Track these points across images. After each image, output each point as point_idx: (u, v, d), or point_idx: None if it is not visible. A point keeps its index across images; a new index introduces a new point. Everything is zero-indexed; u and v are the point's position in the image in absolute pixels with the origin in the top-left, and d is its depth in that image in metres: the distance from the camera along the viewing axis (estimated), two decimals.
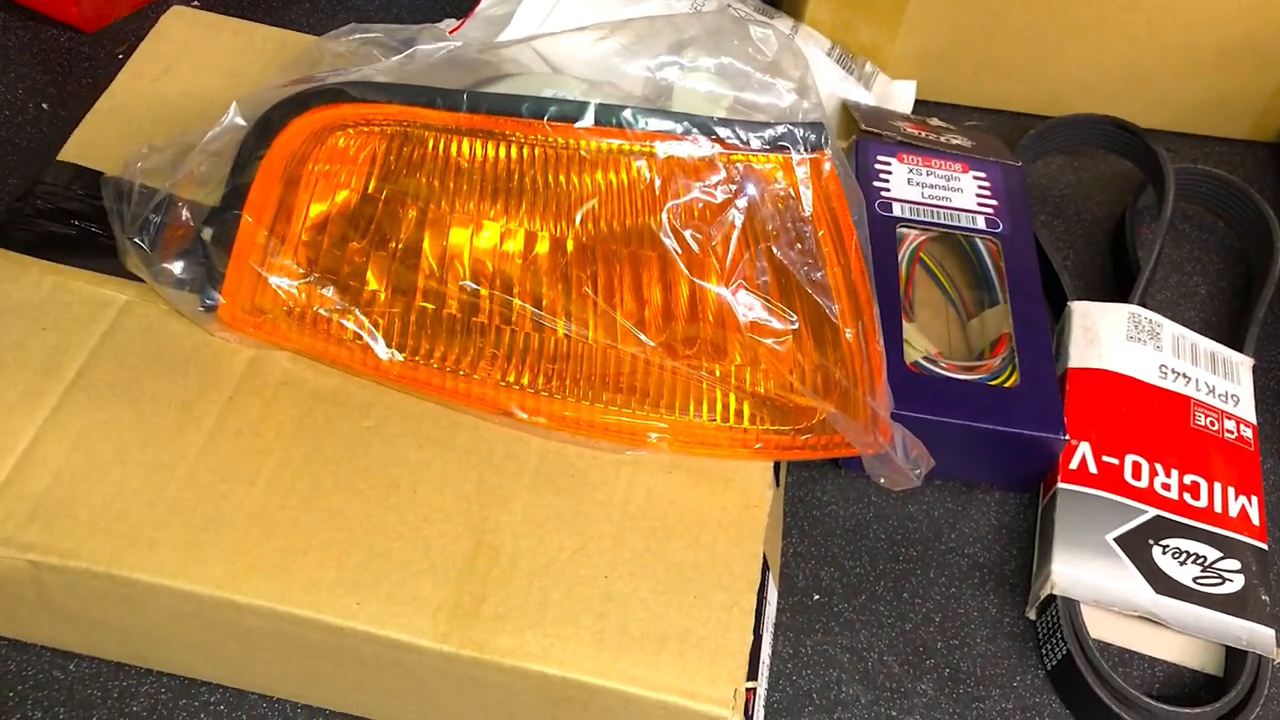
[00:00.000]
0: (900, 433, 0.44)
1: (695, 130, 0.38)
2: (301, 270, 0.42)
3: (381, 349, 0.42)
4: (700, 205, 0.39)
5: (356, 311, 0.42)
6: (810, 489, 0.50)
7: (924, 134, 0.59)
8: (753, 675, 0.40)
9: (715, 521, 0.41)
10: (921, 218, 0.55)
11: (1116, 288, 0.60)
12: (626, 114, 0.38)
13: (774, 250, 0.40)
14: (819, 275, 0.40)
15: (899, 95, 0.65)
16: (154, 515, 0.38)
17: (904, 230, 0.55)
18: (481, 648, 0.37)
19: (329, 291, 0.42)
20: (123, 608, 0.38)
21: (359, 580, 0.37)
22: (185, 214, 0.42)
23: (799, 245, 0.40)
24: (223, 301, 0.42)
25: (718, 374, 0.42)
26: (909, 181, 0.56)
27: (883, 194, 0.56)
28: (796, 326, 0.40)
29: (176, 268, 0.42)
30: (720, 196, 0.39)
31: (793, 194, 0.39)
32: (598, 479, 0.41)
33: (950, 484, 0.52)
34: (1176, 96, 0.67)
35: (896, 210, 0.55)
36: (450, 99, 0.38)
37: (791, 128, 0.38)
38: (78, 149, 0.47)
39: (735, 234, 0.39)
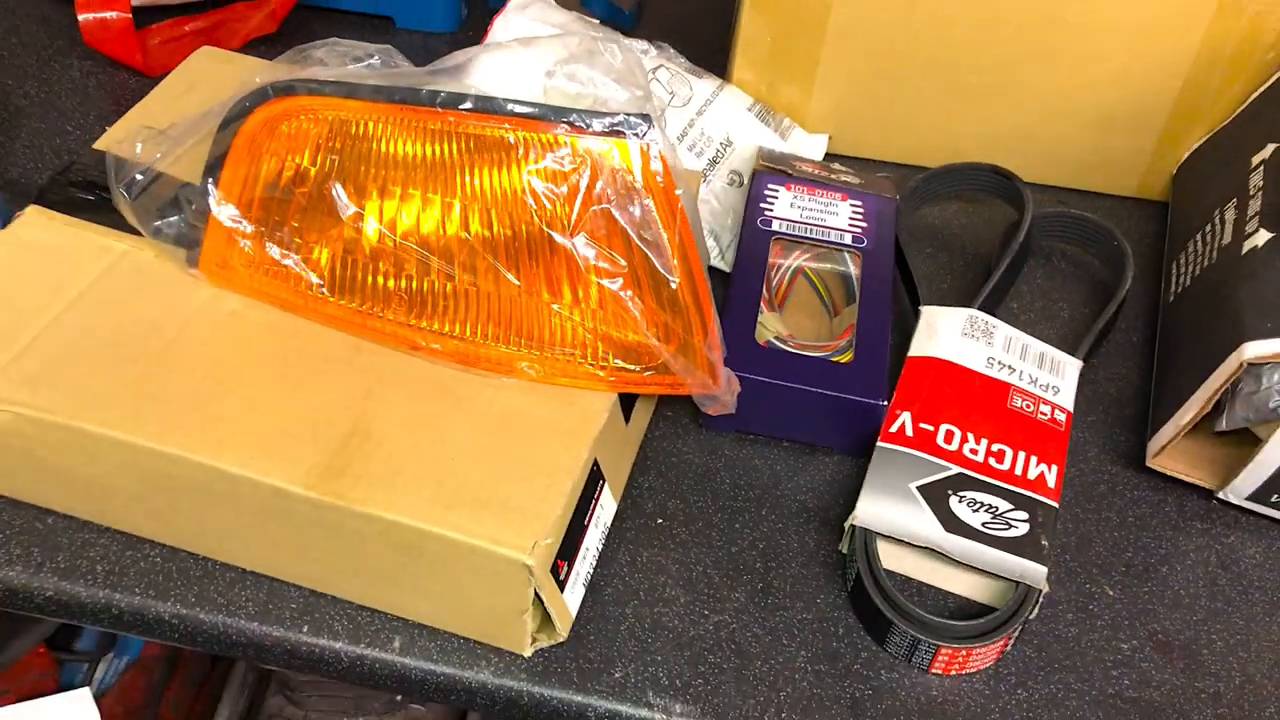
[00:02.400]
0: (727, 374, 0.53)
1: (550, 115, 0.49)
2: (256, 230, 0.54)
3: (320, 287, 0.54)
4: (555, 174, 0.50)
5: (295, 259, 0.54)
6: (673, 442, 0.60)
7: (819, 173, 0.70)
8: (568, 552, 0.49)
9: (554, 428, 0.51)
10: (795, 233, 0.65)
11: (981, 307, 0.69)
12: (498, 102, 0.49)
13: (612, 211, 0.50)
14: (648, 235, 0.51)
15: (811, 147, 0.76)
16: (113, 388, 0.50)
17: (792, 248, 0.66)
18: (340, 497, 0.47)
19: (275, 247, 0.54)
20: (81, 458, 0.50)
21: (255, 443, 0.48)
22: (170, 180, 0.55)
23: (630, 210, 0.50)
24: (200, 255, 0.55)
25: (577, 318, 0.52)
26: (790, 205, 0.67)
27: (765, 213, 0.66)
28: (626, 270, 0.51)
29: (165, 223, 0.55)
30: (568, 166, 0.50)
31: (626, 169, 0.50)
32: (465, 394, 0.52)
33: (796, 446, 0.60)
34: (1065, 155, 0.76)
35: (775, 225, 0.65)
36: (371, 93, 0.50)
37: (626, 117, 0.50)
38: (108, 141, 0.61)
39: (580, 196, 0.50)
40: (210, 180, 0.53)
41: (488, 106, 0.49)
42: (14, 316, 0.52)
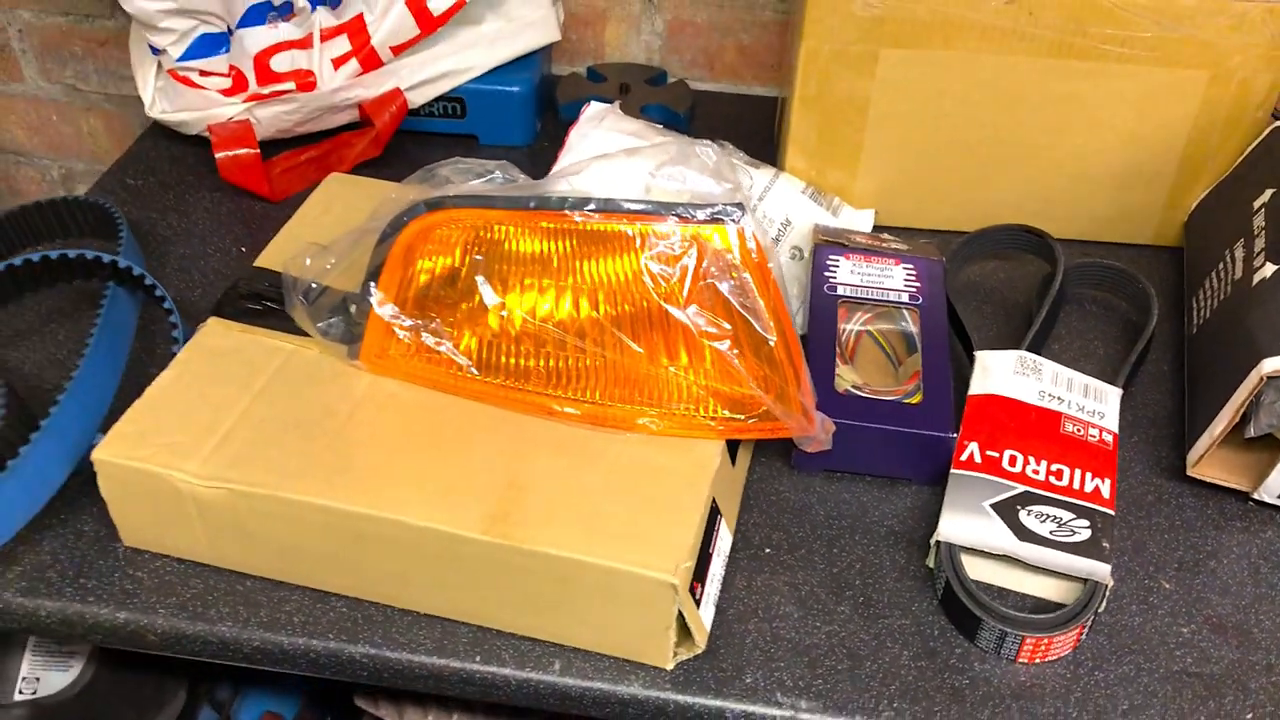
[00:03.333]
0: (820, 417, 0.62)
1: (661, 209, 0.59)
2: (412, 323, 0.63)
3: (470, 368, 0.63)
4: (666, 255, 0.60)
5: (448, 346, 0.63)
6: (770, 483, 0.68)
7: (871, 243, 0.79)
8: (700, 575, 0.58)
9: (676, 473, 0.60)
10: (858, 295, 0.75)
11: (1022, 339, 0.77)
12: (616, 202, 0.59)
13: (716, 285, 0.60)
14: (747, 303, 0.60)
15: (860, 221, 0.85)
16: (304, 463, 0.59)
17: (854, 310, 0.75)
18: (509, 538, 0.56)
19: (430, 337, 0.63)
20: (282, 524, 0.59)
21: (431, 499, 0.57)
22: (334, 291, 0.65)
23: (732, 282, 0.60)
24: (361, 348, 0.64)
25: (691, 377, 0.61)
26: (851, 272, 0.76)
27: (830, 280, 0.75)
28: (732, 332, 0.60)
29: (329, 324, 0.65)
30: (679, 250, 0.60)
31: (726, 249, 0.60)
32: (597, 448, 0.61)
33: (878, 480, 0.69)
34: (1086, 212, 0.85)
35: (840, 290, 0.75)
36: (507, 202, 0.60)
37: (724, 207, 0.59)
38: (269, 259, 0.71)
39: (689, 274, 0.60)
40: (372, 283, 0.63)
41: (608, 206, 0.59)
42: (212, 410, 0.62)
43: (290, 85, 0.86)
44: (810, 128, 0.83)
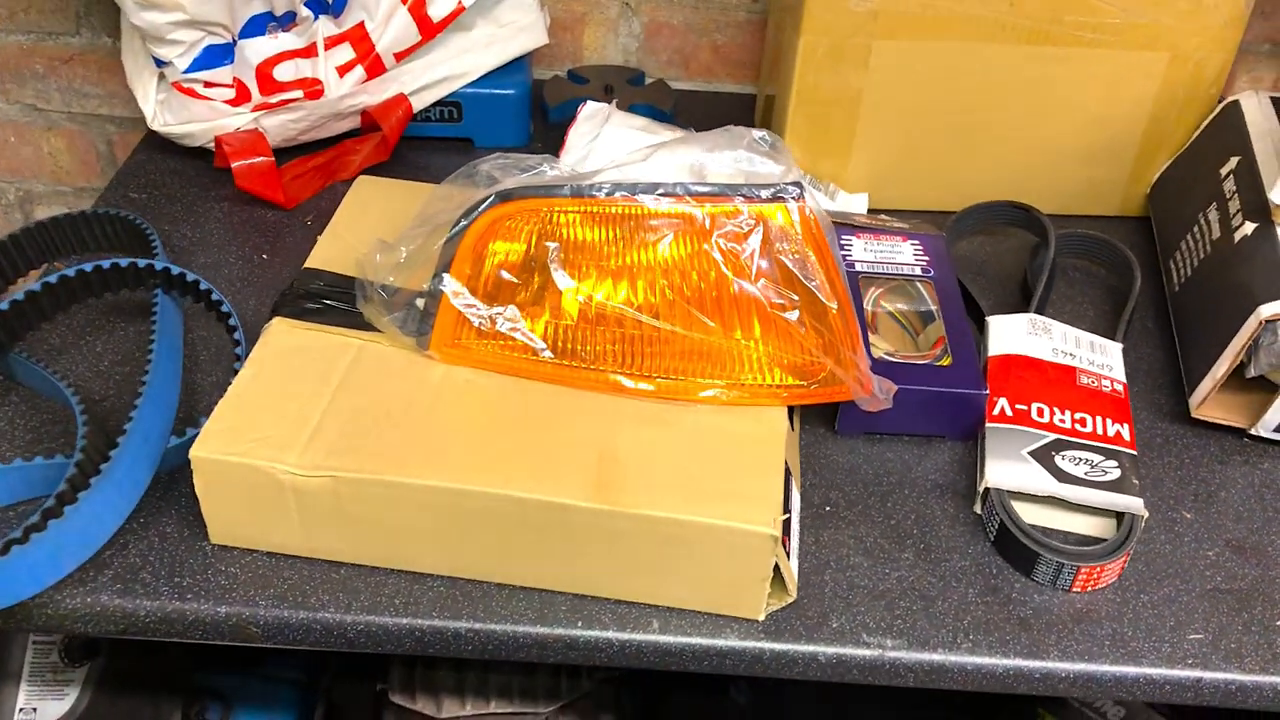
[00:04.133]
0: (877, 379, 0.67)
1: (727, 191, 0.63)
2: (487, 310, 0.66)
3: (544, 352, 0.66)
4: (735, 234, 0.64)
5: (523, 330, 0.66)
6: (818, 448, 0.73)
7: (874, 223, 0.85)
8: (786, 529, 0.62)
9: (752, 438, 0.64)
10: (876, 270, 0.80)
11: (1028, 303, 0.84)
12: (685, 185, 0.63)
13: (782, 259, 0.64)
14: (810, 273, 0.64)
15: (855, 205, 0.91)
16: (400, 448, 0.61)
17: (868, 284, 0.80)
18: (615, 503, 0.59)
19: (505, 323, 0.66)
20: (384, 506, 0.60)
21: (533, 473, 0.60)
22: (404, 287, 0.67)
23: (796, 256, 0.64)
24: (433, 338, 0.66)
25: (759, 349, 0.65)
26: (865, 250, 0.81)
27: (847, 257, 0.80)
28: (799, 302, 0.64)
29: (400, 316, 0.67)
30: (746, 229, 0.64)
31: (789, 226, 0.64)
32: (674, 419, 0.64)
33: (915, 438, 0.74)
34: (1060, 187, 0.92)
35: (858, 267, 0.80)
36: (577, 190, 0.63)
37: (784, 186, 0.63)
38: (315, 259, 0.73)
39: (756, 249, 0.64)
40: (445, 273, 0.65)
41: (678, 189, 0.63)
42: (299, 404, 0.63)
43: (298, 94, 0.87)
44: (806, 120, 0.88)
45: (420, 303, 0.66)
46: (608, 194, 0.63)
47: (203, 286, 0.71)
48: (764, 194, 0.63)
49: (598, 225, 0.64)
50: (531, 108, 1.00)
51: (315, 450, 0.61)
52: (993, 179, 0.92)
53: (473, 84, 0.94)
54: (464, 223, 0.65)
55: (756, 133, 0.67)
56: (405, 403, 0.64)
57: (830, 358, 0.65)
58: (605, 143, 0.84)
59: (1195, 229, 0.82)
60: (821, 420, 0.74)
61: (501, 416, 0.64)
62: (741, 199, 0.63)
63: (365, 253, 0.67)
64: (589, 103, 0.93)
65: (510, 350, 0.66)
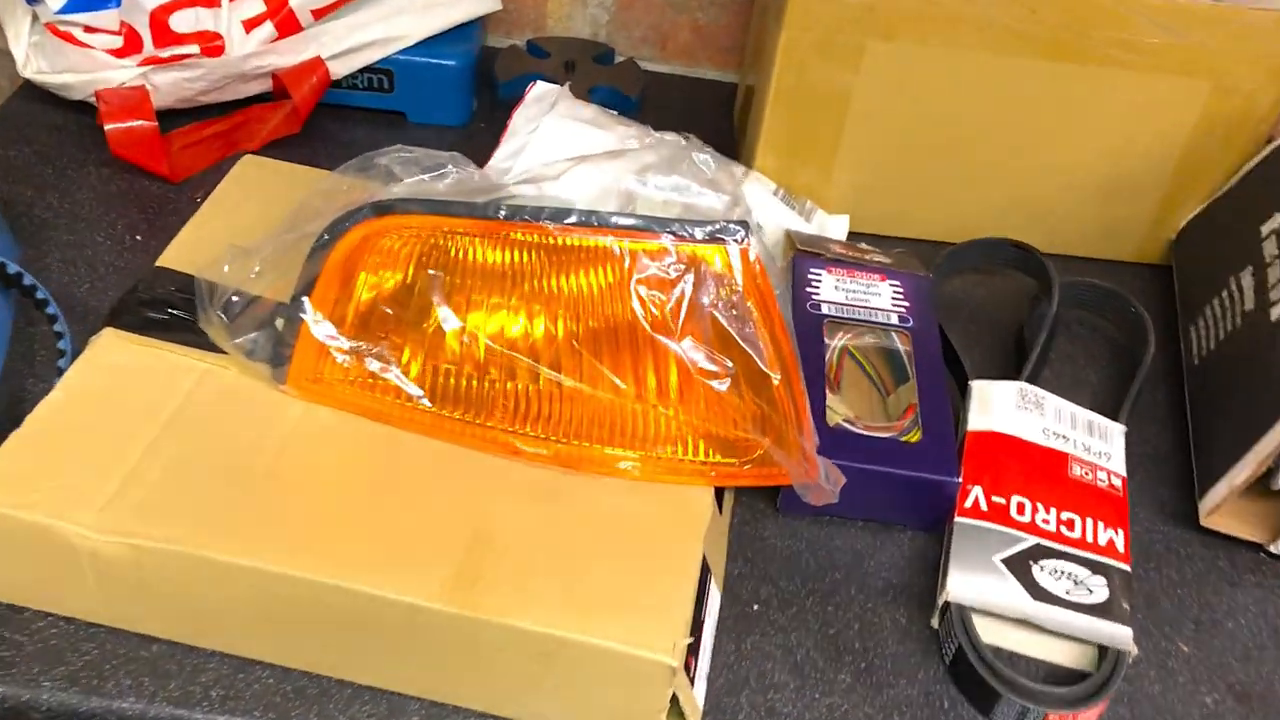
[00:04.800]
0: (824, 463, 0.55)
1: (654, 226, 0.51)
2: (352, 345, 0.54)
3: (421, 399, 0.54)
4: (659, 281, 0.52)
5: (396, 373, 0.54)
6: (755, 527, 0.61)
7: (851, 254, 0.72)
8: (694, 649, 0.50)
9: (664, 526, 0.52)
10: (845, 315, 0.68)
11: (1016, 375, 0.72)
12: (603, 215, 0.51)
13: (715, 314, 0.52)
14: (749, 332, 0.52)
15: (834, 227, 0.78)
16: (228, 513, 0.50)
17: (836, 329, 0.68)
18: (476, 608, 0.47)
19: (374, 361, 0.54)
20: (203, 585, 0.49)
21: (382, 560, 0.49)
22: (259, 301, 0.55)
23: (734, 311, 0.52)
24: (291, 370, 0.54)
25: (681, 417, 0.53)
26: (835, 288, 0.69)
27: (813, 297, 0.68)
28: (734, 370, 0.52)
29: (252, 341, 0.55)
30: (673, 274, 0.52)
31: (727, 273, 0.52)
32: (573, 495, 0.53)
33: (871, 524, 0.62)
34: (1071, 225, 0.80)
35: (824, 309, 0.68)
36: (470, 209, 0.51)
37: (725, 224, 0.51)
38: (170, 258, 0.61)
39: (685, 301, 0.52)
40: (305, 297, 0.53)
41: (594, 219, 0.51)
42: (111, 444, 0.52)
43: (194, 49, 0.75)
44: (784, 123, 0.76)
45: (280, 324, 0.54)
46: (507, 217, 0.51)
47: (26, 281, 0.59)
48: (698, 233, 0.51)
49: (493, 253, 0.52)
50: (479, 81, 0.87)
51: (119, 509, 0.49)
52: (993, 208, 0.79)
53: (408, 50, 0.82)
54: (328, 237, 0.53)
55: (700, 154, 0.55)
56: (245, 450, 0.53)
57: (768, 436, 0.53)
58: (542, 137, 0.72)
59: (1225, 293, 0.70)
60: (761, 493, 0.63)
61: (361, 476, 0.52)
62: (670, 236, 0.51)
63: (213, 256, 0.55)
64: (538, 83, 0.81)
65: (382, 393, 0.54)
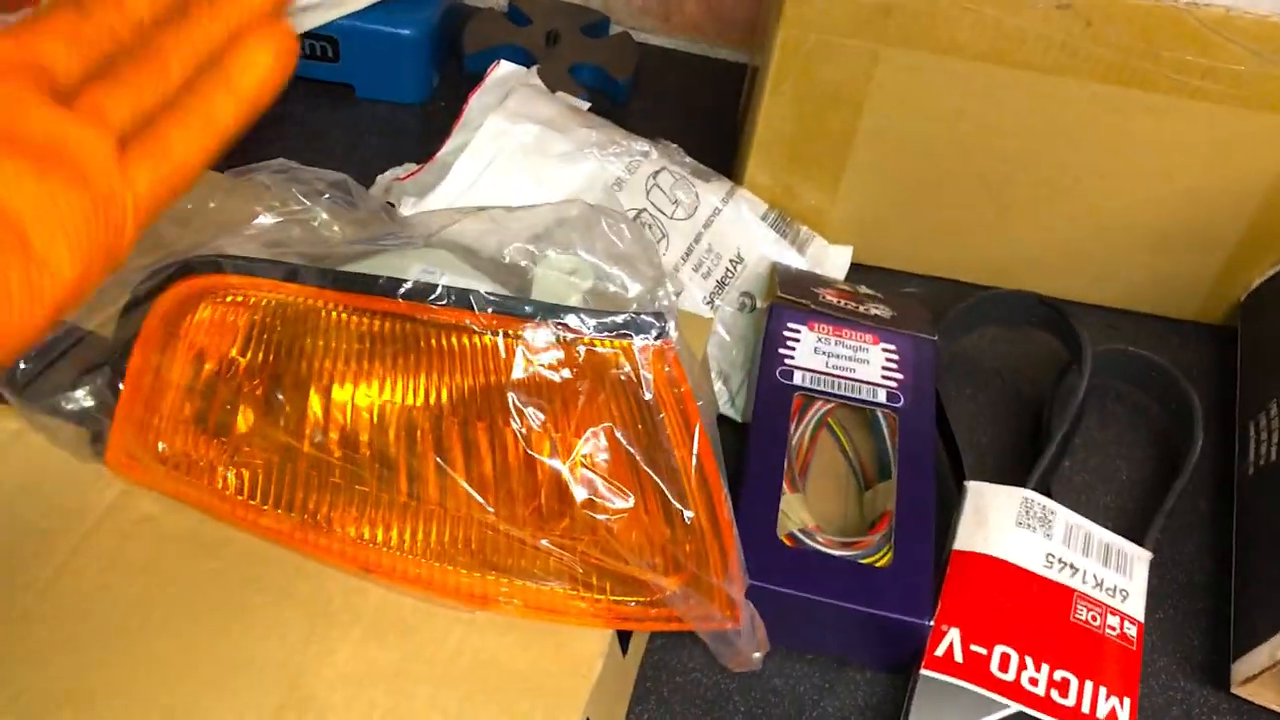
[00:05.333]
0: (749, 613, 0.44)
1: (540, 315, 0.40)
2: (170, 425, 0.44)
3: (249, 495, 0.44)
4: (544, 385, 0.40)
5: (224, 464, 0.44)
6: (675, 653, 0.50)
7: (844, 302, 0.60)
8: None
9: (537, 688, 0.41)
10: (821, 387, 0.56)
11: (1030, 468, 0.59)
12: (477, 295, 0.39)
13: (615, 432, 0.41)
14: (659, 458, 0.41)
15: (834, 260, 0.66)
16: None
17: (811, 401, 0.56)
18: None
19: (198, 444, 0.44)
20: None
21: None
22: (74, 355, 0.45)
23: (639, 427, 0.41)
24: (109, 445, 0.44)
25: (567, 547, 0.43)
26: (815, 350, 0.57)
27: (786, 361, 0.56)
28: (632, 505, 0.41)
29: (63, 400, 0.45)
30: (561, 376, 0.40)
31: (634, 378, 0.40)
32: (428, 635, 0.42)
33: (820, 659, 0.51)
34: (1118, 275, 0.67)
35: (797, 378, 0.56)
36: (313, 276, 0.40)
37: (635, 317, 0.40)
38: None
39: (575, 413, 0.41)
40: (115, 366, 0.43)
41: (463, 301, 0.39)
42: None
43: None
44: (780, 135, 0.63)
45: (86, 392, 0.44)
46: (359, 290, 0.40)
47: None
48: (598, 325, 0.39)
49: (345, 328, 0.41)
50: (444, 50, 0.75)
51: None
52: (1027, 251, 0.66)
53: (356, 15, 0.70)
54: (143, 294, 0.42)
55: (616, 221, 0.43)
56: (34, 542, 0.43)
57: (678, 575, 0.42)
58: (478, 147, 0.61)
59: None
60: None
61: (167, 596, 0.42)
62: (558, 327, 0.39)
63: None
64: (502, 63, 0.69)
65: (203, 484, 0.44)
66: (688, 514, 0.41)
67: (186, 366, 0.43)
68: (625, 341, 0.40)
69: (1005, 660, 0.49)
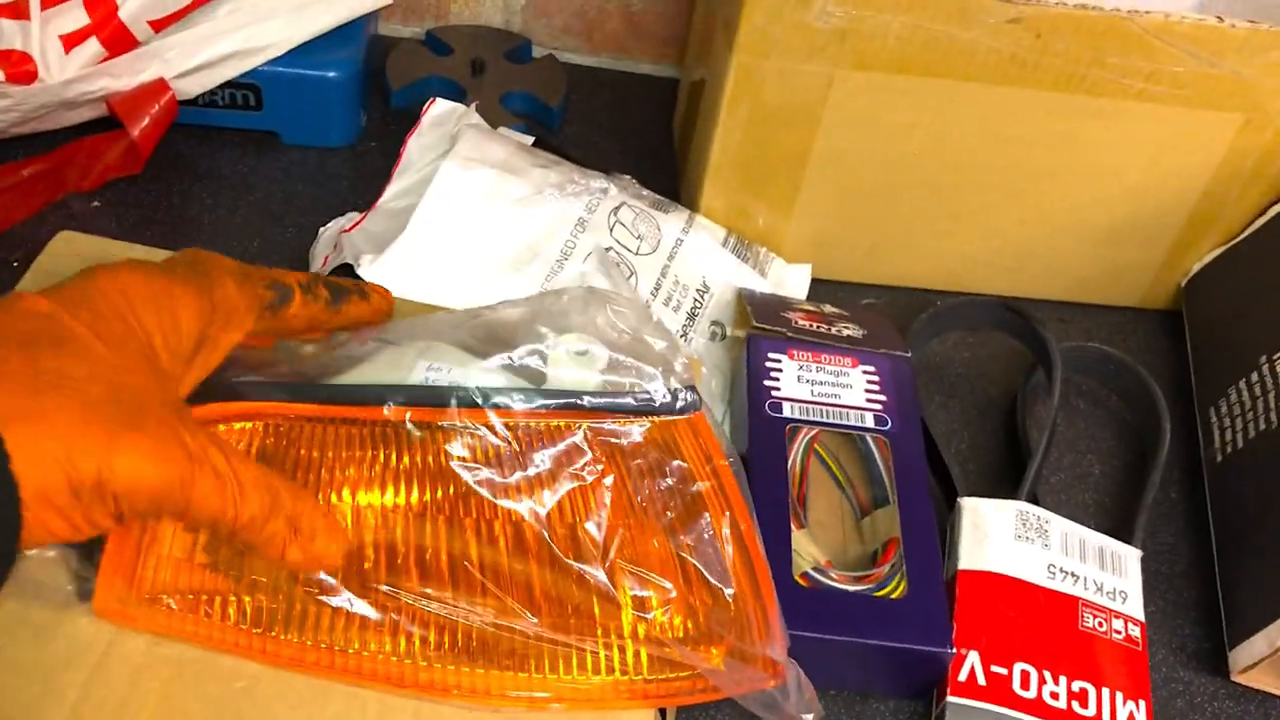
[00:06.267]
0: (794, 672, 0.44)
1: (561, 406, 0.38)
2: (178, 561, 0.41)
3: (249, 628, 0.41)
4: (573, 488, 0.39)
5: (235, 597, 0.41)
6: (704, 710, 0.50)
7: (815, 325, 0.60)
8: None
9: None
10: (811, 417, 0.56)
11: (1010, 473, 0.61)
12: (498, 399, 0.38)
13: (654, 521, 0.40)
14: (699, 536, 0.40)
15: (794, 279, 0.66)
16: None
17: (793, 432, 0.56)
18: None
19: (205, 579, 0.41)
20: None
21: None
22: None
23: (678, 508, 0.40)
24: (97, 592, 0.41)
25: (610, 635, 0.42)
26: (799, 379, 0.57)
27: (773, 394, 0.56)
28: (674, 596, 0.41)
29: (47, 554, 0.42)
30: (590, 477, 0.39)
31: (666, 457, 0.40)
32: None
33: (843, 695, 0.52)
34: (1068, 270, 0.68)
35: (786, 410, 0.56)
36: (312, 393, 0.38)
37: (661, 396, 0.39)
38: None
39: (605, 513, 0.40)
40: None
41: (489, 400, 0.38)
42: None
43: None
44: (734, 159, 0.63)
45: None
46: (351, 401, 0.38)
47: None
48: (621, 413, 0.38)
49: (359, 442, 0.40)
50: (367, 88, 0.73)
51: None
52: (981, 253, 0.67)
53: (277, 61, 0.67)
54: None
55: (616, 307, 0.42)
56: (39, 692, 0.40)
57: (719, 650, 0.42)
58: (436, 197, 0.59)
59: (1253, 377, 0.59)
60: None
61: None
62: (582, 417, 0.38)
63: None
64: (438, 101, 0.67)
65: (209, 622, 0.42)
66: (728, 591, 0.41)
67: None
68: (654, 419, 0.39)
69: (1025, 678, 0.50)
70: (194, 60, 0.64)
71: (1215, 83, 0.59)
